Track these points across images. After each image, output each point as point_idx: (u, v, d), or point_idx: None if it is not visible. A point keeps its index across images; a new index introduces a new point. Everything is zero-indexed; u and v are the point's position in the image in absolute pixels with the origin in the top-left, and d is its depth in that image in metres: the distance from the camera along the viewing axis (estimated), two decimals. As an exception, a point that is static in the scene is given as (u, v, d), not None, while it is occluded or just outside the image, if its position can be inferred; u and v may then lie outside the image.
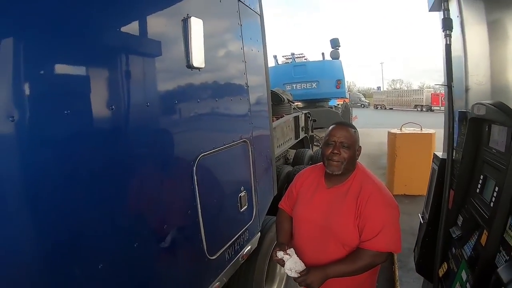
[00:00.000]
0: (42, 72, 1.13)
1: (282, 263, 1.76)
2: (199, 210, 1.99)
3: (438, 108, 37.11)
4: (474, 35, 2.61)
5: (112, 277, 1.43)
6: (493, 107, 1.88)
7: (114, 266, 1.45)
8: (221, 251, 2.26)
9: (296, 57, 10.68)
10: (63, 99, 1.21)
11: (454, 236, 2.22)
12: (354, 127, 1.85)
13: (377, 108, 46.77)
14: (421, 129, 6.89)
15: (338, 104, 11.62)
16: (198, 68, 1.99)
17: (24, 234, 1.10)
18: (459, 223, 2.27)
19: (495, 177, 1.84)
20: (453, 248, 2.24)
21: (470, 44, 2.61)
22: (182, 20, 1.87)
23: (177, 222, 1.88)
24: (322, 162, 1.88)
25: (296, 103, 7.50)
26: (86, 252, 1.31)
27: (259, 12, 3.10)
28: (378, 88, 67.23)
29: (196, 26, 1.92)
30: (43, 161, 1.14)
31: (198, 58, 1.94)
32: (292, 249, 1.78)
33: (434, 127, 7.28)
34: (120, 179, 1.49)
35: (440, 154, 3.05)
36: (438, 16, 3.35)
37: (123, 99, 1.50)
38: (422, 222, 2.98)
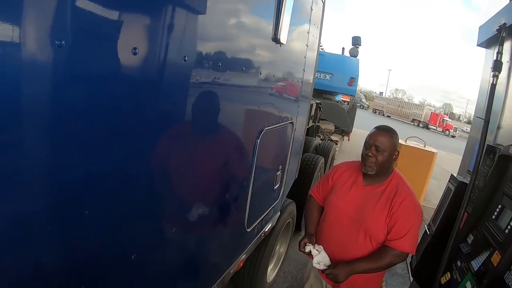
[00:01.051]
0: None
1: (309, 255, 1.91)
2: (251, 183, 2.04)
3: (435, 127, 38.05)
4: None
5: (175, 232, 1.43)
6: None
7: (181, 225, 1.47)
8: (255, 224, 2.32)
9: (313, 45, 10.53)
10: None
11: (464, 251, 2.49)
12: (393, 132, 1.92)
13: (375, 112, 47.43)
14: (424, 146, 7.07)
15: (343, 100, 11.65)
16: (281, 44, 1.99)
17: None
18: (469, 241, 2.54)
19: None
20: (459, 261, 2.52)
21: (512, 89, 2.84)
22: None
23: (235, 192, 1.92)
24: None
25: (308, 91, 7.47)
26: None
27: (324, 0, 3.08)
28: (381, 93, 68.10)
29: (289, 2, 1.91)
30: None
31: (284, 34, 1.94)
32: (321, 246, 1.90)
33: (430, 145, 7.51)
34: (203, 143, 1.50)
35: (456, 175, 3.29)
36: (479, 50, 3.60)
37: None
38: (427, 233, 3.17)
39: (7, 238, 0.72)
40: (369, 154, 1.85)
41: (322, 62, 9.13)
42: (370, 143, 1.86)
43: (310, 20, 2.65)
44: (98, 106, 0.87)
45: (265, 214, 2.50)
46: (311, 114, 6.70)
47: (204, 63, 1.32)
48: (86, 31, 0.79)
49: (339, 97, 11.62)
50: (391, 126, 1.97)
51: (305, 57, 2.69)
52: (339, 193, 2.02)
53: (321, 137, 8.37)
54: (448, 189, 3.22)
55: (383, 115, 45.96)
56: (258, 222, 2.40)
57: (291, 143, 2.79)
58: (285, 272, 3.78)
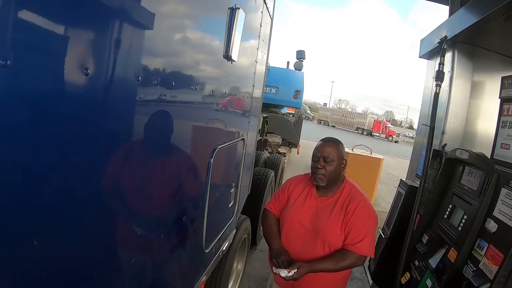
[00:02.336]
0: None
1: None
2: (207, 203, 1.97)
3: (378, 134, 40.34)
4: (459, 89, 3.19)
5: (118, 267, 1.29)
6: (475, 155, 2.33)
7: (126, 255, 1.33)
8: (212, 244, 2.25)
9: (257, 60, 10.72)
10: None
11: (420, 250, 2.67)
12: (339, 142, 2.01)
13: (320, 123, 49.39)
14: (371, 153, 7.44)
15: (289, 113, 11.93)
16: (232, 61, 1.98)
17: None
18: (424, 240, 2.75)
19: (464, 208, 2.36)
20: (416, 261, 2.71)
21: (454, 96, 3.18)
22: (229, 8, 1.82)
23: (191, 213, 1.86)
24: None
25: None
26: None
27: (272, 16, 3.14)
28: (325, 104, 70.88)
29: (241, 18, 1.90)
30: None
31: (235, 51, 1.93)
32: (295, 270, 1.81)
33: (375, 152, 7.92)
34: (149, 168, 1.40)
35: (405, 180, 3.51)
36: (416, 60, 3.93)
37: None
38: (383, 236, 3.32)
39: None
40: (318, 166, 1.91)
41: (268, 76, 9.24)
42: (318, 156, 1.93)
43: (259, 37, 2.68)
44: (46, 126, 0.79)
45: (221, 233, 2.44)
46: (259, 128, 6.78)
47: (154, 82, 1.24)
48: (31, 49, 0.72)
49: (285, 110, 11.90)
50: (336, 137, 2.05)
51: (254, 73, 2.71)
52: (295, 206, 2.05)
53: (269, 151, 8.47)
54: (399, 193, 3.41)
55: (328, 125, 47.92)
56: (216, 242, 2.32)
57: (243, 159, 2.78)
58: (244, 288, 3.71)
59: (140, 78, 1.11)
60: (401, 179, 3.54)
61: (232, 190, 2.58)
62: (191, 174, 1.79)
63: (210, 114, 1.95)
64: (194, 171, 1.82)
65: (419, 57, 3.90)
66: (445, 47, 2.99)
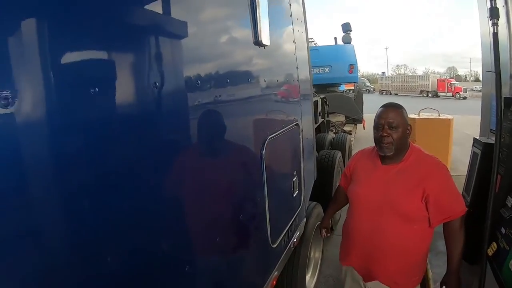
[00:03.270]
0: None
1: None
2: (266, 197, 1.92)
3: (444, 94, 37.55)
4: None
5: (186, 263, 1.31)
6: None
7: (189, 254, 1.36)
8: (280, 238, 2.19)
9: (306, 42, 10.49)
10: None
11: (505, 216, 2.33)
12: (401, 107, 1.83)
13: (382, 93, 47.05)
14: (439, 115, 6.84)
15: (348, 89, 11.52)
16: (264, 46, 1.89)
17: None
18: (509, 204, 2.38)
19: None
20: (502, 228, 2.34)
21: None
22: None
23: (249, 210, 1.81)
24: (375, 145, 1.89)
25: (310, 88, 7.36)
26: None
27: None
28: (383, 73, 67.64)
29: (263, 2, 1.81)
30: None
31: (265, 35, 1.84)
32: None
33: (444, 113, 7.26)
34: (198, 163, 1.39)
35: (478, 137, 3.08)
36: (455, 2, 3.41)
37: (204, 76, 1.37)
38: None
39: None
40: (384, 134, 1.75)
41: (318, 56, 9.05)
42: (381, 123, 1.77)
43: (291, 16, 2.54)
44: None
45: (289, 225, 2.37)
46: (319, 110, 6.58)
47: (190, 85, 1.26)
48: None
49: (343, 87, 11.50)
50: (400, 103, 1.86)
51: (295, 54, 2.58)
52: (360, 181, 1.94)
53: (334, 131, 8.23)
54: (474, 154, 3.01)
55: (390, 94, 45.52)
56: (284, 235, 2.26)
57: (301, 145, 2.66)
58: (325, 277, 3.59)
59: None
60: (474, 138, 3.11)
61: (294, 179, 2.49)
62: (243, 170, 1.75)
63: (253, 107, 1.89)
64: (246, 167, 1.78)
65: None
66: None
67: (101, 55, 0.91)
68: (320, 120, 6.69)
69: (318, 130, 6.98)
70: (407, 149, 1.83)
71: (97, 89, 0.84)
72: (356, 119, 9.74)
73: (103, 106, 0.90)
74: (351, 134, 8.57)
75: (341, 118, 9.42)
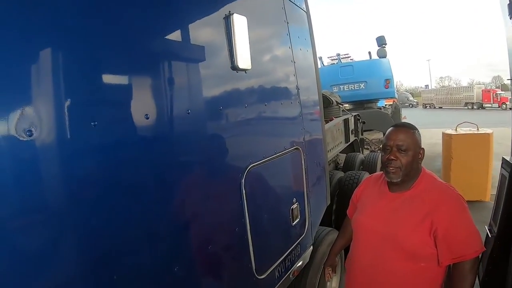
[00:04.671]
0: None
1: None
2: (248, 227, 1.82)
3: (490, 105, 35.38)
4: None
5: None
6: None
7: None
8: (271, 269, 2.06)
9: (342, 58, 10.33)
10: (100, 108, 1.12)
11: None
12: (413, 128, 1.66)
13: (426, 107, 45.60)
14: (478, 129, 6.31)
15: (387, 105, 11.11)
16: (244, 70, 1.82)
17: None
18: None
19: None
20: None
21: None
22: (223, 18, 1.71)
23: (223, 241, 1.72)
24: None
25: (344, 105, 7.16)
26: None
27: (305, 9, 2.89)
28: (426, 86, 65.09)
29: (240, 23, 1.75)
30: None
31: (243, 59, 1.78)
32: None
33: (489, 126, 6.67)
34: (161, 194, 1.35)
35: (508, 158, 2.71)
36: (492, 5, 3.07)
37: (165, 106, 1.37)
38: (489, 235, 2.63)
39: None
40: (391, 157, 1.58)
41: (352, 72, 8.89)
42: (390, 145, 1.61)
43: (289, 35, 2.45)
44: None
45: (286, 255, 2.23)
46: (351, 129, 6.36)
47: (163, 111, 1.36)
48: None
49: (383, 103, 11.12)
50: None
51: (294, 74, 2.47)
52: (364, 209, 1.78)
53: (371, 149, 7.89)
54: (502, 176, 2.64)
55: (434, 107, 43.97)
56: (278, 265, 2.13)
57: (304, 171, 2.52)
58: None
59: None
60: (503, 158, 2.73)
61: (294, 206, 2.35)
62: (216, 199, 1.66)
63: (233, 134, 1.81)
64: (221, 196, 1.69)
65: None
66: None
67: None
68: (352, 138, 6.45)
69: (351, 149, 6.74)
70: (418, 175, 1.65)
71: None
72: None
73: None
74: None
75: (380, 135, 9.04)
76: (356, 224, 1.80)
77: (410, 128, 1.64)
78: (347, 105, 8.67)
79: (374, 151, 7.56)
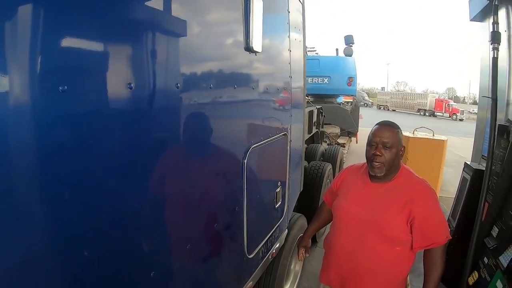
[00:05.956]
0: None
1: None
2: (245, 207, 1.87)
3: (441, 114, 37.91)
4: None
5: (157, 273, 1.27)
6: None
7: (162, 261, 1.32)
8: (257, 249, 2.14)
9: (308, 51, 10.52)
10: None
11: (489, 246, 2.29)
12: (397, 127, 1.78)
13: (380, 108, 47.46)
14: (433, 135, 6.83)
15: (345, 102, 11.54)
16: (255, 53, 1.85)
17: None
18: (494, 234, 2.33)
19: None
20: (485, 258, 2.32)
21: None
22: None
23: (226, 220, 1.76)
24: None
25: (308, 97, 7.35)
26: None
27: (302, 1, 2.95)
28: (382, 88, 68.09)
29: (258, 7, 1.77)
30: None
31: (257, 41, 1.80)
32: None
33: (439, 133, 7.26)
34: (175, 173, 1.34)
35: (469, 162, 3.07)
36: (475, 26, 3.42)
37: (180, 80, 1.31)
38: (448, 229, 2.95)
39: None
40: (377, 153, 1.70)
41: (318, 66, 9.07)
42: (375, 141, 1.72)
43: (289, 24, 2.50)
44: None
45: (268, 236, 2.32)
46: (314, 121, 6.56)
47: (174, 85, 1.24)
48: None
49: (341, 99, 11.51)
50: (396, 121, 1.84)
51: (289, 63, 2.54)
52: (346, 196, 1.90)
53: (328, 142, 8.21)
54: (463, 179, 3.00)
55: (388, 109, 45.94)
56: (262, 246, 2.21)
57: (288, 156, 2.61)
58: (304, 289, 3.55)
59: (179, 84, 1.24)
60: (465, 162, 3.11)
61: (278, 190, 2.44)
62: (222, 178, 1.69)
63: (238, 113, 1.83)
64: (225, 175, 1.72)
65: (470, 20, 3.41)
66: (496, 3, 2.53)
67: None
68: (314, 130, 6.66)
69: (311, 140, 6.96)
70: (398, 169, 1.80)
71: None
72: (351, 132, 9.73)
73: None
74: (344, 147, 8.54)
75: (336, 130, 9.41)
76: (338, 210, 1.91)
77: (394, 127, 1.76)
78: (309, 97, 8.90)
79: (331, 144, 7.88)
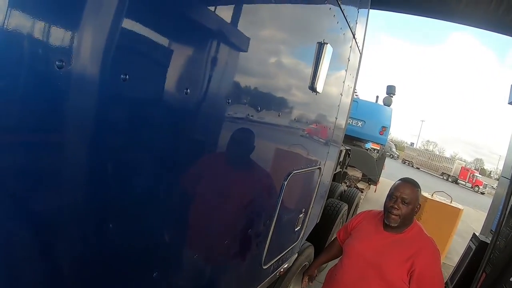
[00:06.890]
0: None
1: None
2: (274, 222, 2.08)
3: (464, 183, 36.85)
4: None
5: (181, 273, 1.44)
6: None
7: (193, 262, 1.48)
8: (271, 262, 2.33)
9: (348, 91, 10.64)
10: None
11: None
12: (418, 186, 1.98)
13: (404, 163, 47.06)
14: (451, 201, 6.86)
15: (374, 149, 11.60)
16: (316, 93, 2.09)
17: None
18: None
19: None
20: None
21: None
22: (317, 43, 1.96)
23: (258, 229, 1.97)
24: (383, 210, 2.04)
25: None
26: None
27: (361, 51, 3.20)
28: (412, 144, 67.13)
29: (328, 53, 2.02)
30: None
31: (320, 84, 2.05)
32: None
33: (457, 201, 7.25)
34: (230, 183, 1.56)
35: (478, 234, 3.21)
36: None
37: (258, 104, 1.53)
38: None
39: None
40: (395, 206, 1.91)
41: (356, 108, 9.22)
42: (396, 195, 1.93)
43: (346, 70, 2.76)
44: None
45: (283, 254, 2.51)
46: (340, 160, 6.70)
47: (243, 102, 1.41)
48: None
49: (369, 145, 11.57)
50: (418, 179, 2.04)
51: (338, 105, 2.78)
52: (358, 238, 2.09)
53: (347, 184, 8.30)
54: (469, 247, 3.16)
55: (412, 166, 45.49)
56: (275, 261, 2.40)
57: (317, 188, 2.83)
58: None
59: (230, 100, 1.29)
60: (473, 233, 3.29)
61: (300, 215, 2.65)
62: (264, 192, 1.92)
63: (290, 140, 2.06)
64: (267, 190, 1.95)
65: (508, 103, 3.57)
66: None
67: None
68: (338, 169, 6.80)
69: (333, 178, 7.08)
70: (411, 224, 1.98)
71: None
72: (372, 179, 9.78)
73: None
74: (362, 192, 8.60)
75: (358, 173, 9.48)
76: (349, 247, 2.11)
77: (415, 186, 1.97)
78: (341, 136, 9.02)
79: (350, 187, 7.97)
